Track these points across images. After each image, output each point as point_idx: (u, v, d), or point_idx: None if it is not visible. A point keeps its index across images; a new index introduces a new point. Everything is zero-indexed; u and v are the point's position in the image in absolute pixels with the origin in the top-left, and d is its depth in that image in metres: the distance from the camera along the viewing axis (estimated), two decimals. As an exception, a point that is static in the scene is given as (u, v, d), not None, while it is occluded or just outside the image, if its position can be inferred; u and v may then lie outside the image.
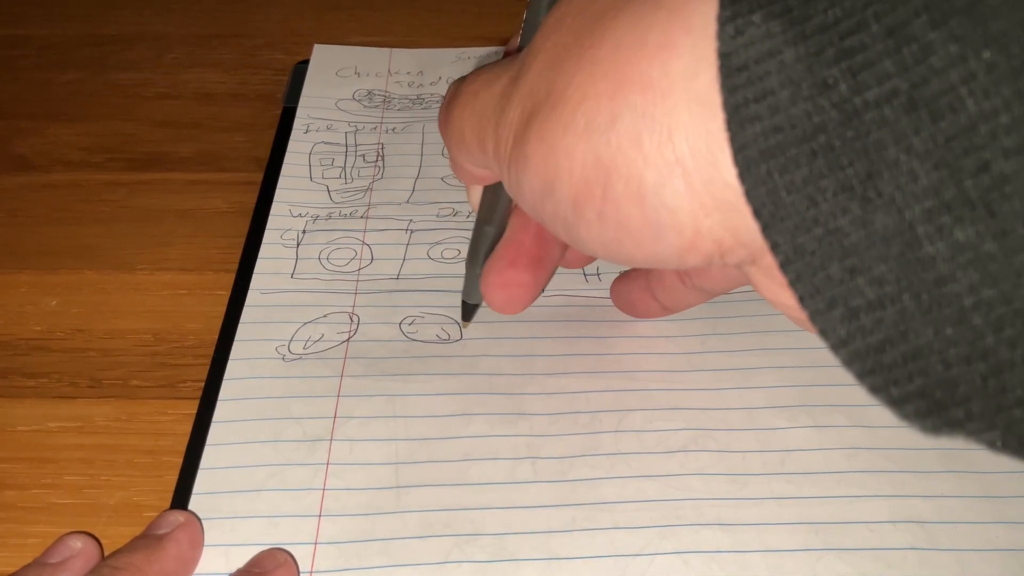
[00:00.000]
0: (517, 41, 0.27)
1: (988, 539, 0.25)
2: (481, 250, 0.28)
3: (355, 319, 0.32)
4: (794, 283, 0.16)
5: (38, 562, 0.25)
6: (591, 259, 0.31)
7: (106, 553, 0.26)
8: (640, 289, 0.31)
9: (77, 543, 0.25)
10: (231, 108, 0.42)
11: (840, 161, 0.15)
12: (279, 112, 0.41)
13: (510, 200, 0.27)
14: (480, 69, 0.24)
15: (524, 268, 0.27)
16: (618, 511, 0.26)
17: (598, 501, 0.26)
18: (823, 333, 0.16)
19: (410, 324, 0.32)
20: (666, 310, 0.31)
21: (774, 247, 0.16)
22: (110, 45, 0.46)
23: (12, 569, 0.25)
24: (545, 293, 0.32)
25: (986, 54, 0.13)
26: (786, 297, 0.18)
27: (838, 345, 0.16)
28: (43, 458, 0.28)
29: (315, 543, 0.25)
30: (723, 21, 0.16)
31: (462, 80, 0.24)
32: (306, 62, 0.43)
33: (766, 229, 0.16)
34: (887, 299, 0.15)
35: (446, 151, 0.27)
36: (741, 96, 0.15)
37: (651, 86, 0.17)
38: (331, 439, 0.28)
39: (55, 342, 0.32)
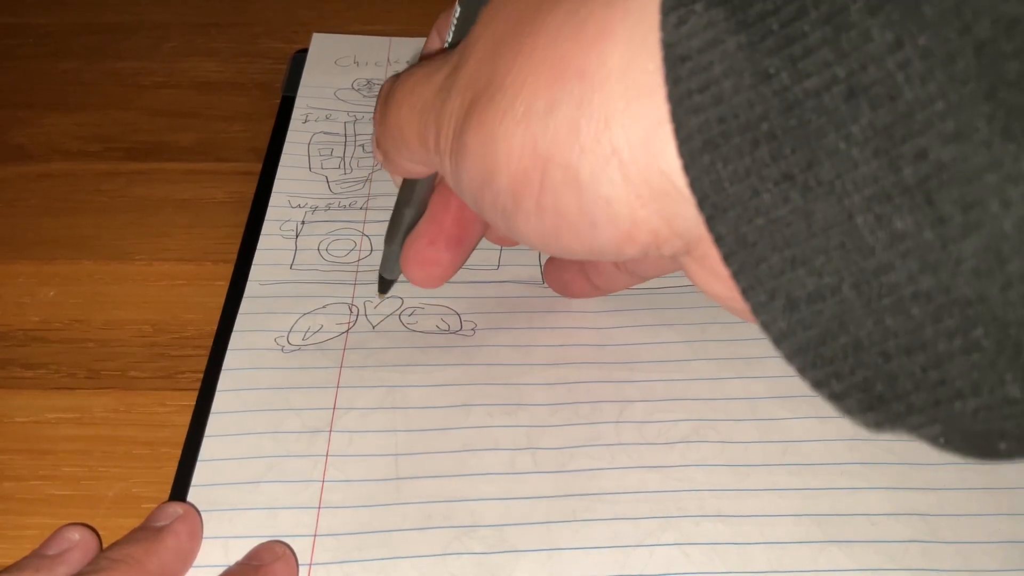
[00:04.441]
0: (435, 42, 0.28)
1: (989, 531, 0.25)
2: (400, 229, 0.29)
3: (354, 310, 0.32)
4: (736, 274, 0.16)
5: (36, 554, 0.25)
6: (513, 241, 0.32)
7: (104, 545, 0.25)
8: (574, 271, 0.31)
9: (75, 535, 0.25)
10: (230, 97, 0.42)
11: (782, 150, 0.15)
12: (278, 101, 0.41)
13: (430, 184, 0.28)
14: (414, 66, 0.24)
15: (443, 247, 0.28)
16: (619, 502, 0.26)
17: (598, 492, 0.26)
18: (764, 325, 0.16)
19: (410, 315, 0.31)
20: (599, 291, 0.31)
21: (717, 238, 0.16)
22: (108, 34, 0.46)
23: (10, 561, 0.24)
24: (543, 284, 0.32)
25: (921, 40, 0.13)
26: (720, 288, 0.18)
27: (780, 338, 0.16)
28: (41, 449, 0.28)
29: (314, 535, 0.25)
30: (666, 10, 0.15)
31: (396, 77, 0.24)
32: (305, 51, 0.43)
33: (710, 220, 0.16)
34: (827, 290, 0.15)
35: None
36: (685, 87, 0.15)
37: (588, 75, 0.17)
38: (330, 430, 0.28)
39: (53, 333, 0.32)
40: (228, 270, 0.33)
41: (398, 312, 0.32)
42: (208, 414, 0.28)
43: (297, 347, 0.30)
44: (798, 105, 0.14)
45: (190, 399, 0.29)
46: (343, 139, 0.39)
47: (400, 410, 0.28)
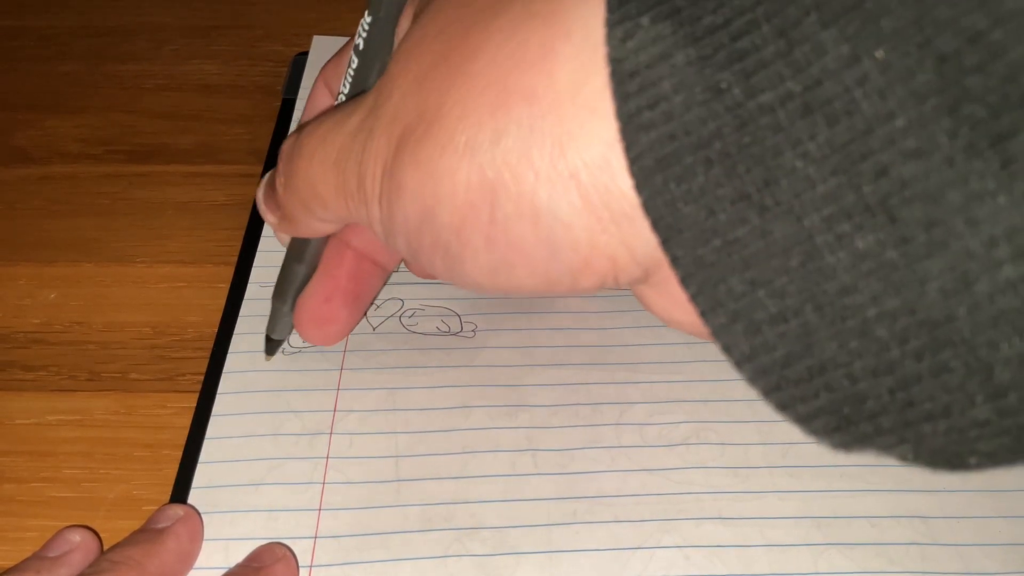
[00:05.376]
0: (324, 96, 0.27)
1: (989, 534, 0.25)
2: (291, 287, 0.28)
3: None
4: (695, 297, 0.15)
5: (37, 556, 0.25)
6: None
7: (105, 547, 0.25)
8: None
9: (76, 537, 0.25)
10: (231, 100, 0.42)
11: (736, 169, 0.14)
12: (278, 104, 0.41)
13: (324, 239, 0.27)
14: (311, 122, 0.23)
15: (340, 304, 0.27)
16: (619, 504, 0.26)
17: (599, 494, 0.26)
18: (726, 349, 0.15)
19: (410, 316, 0.31)
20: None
21: (673, 260, 0.15)
22: (109, 36, 0.46)
23: (11, 563, 0.24)
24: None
25: (879, 53, 0.13)
26: (681, 315, 0.18)
27: (742, 361, 0.15)
28: (42, 451, 0.28)
29: (315, 537, 0.25)
30: (611, 24, 0.15)
31: (295, 136, 0.23)
32: (305, 53, 0.43)
33: (665, 242, 0.15)
34: (789, 312, 0.14)
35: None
36: (634, 104, 0.15)
37: (536, 97, 0.16)
38: (331, 432, 0.28)
39: (54, 335, 0.32)
40: (229, 272, 0.33)
41: (399, 314, 0.32)
42: (209, 416, 0.28)
43: (298, 349, 0.30)
44: (752, 122, 0.14)
45: (191, 401, 0.29)
46: (343, 141, 0.39)
47: (400, 412, 0.28)
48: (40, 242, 0.35)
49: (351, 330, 0.27)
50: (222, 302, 0.32)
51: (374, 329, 0.31)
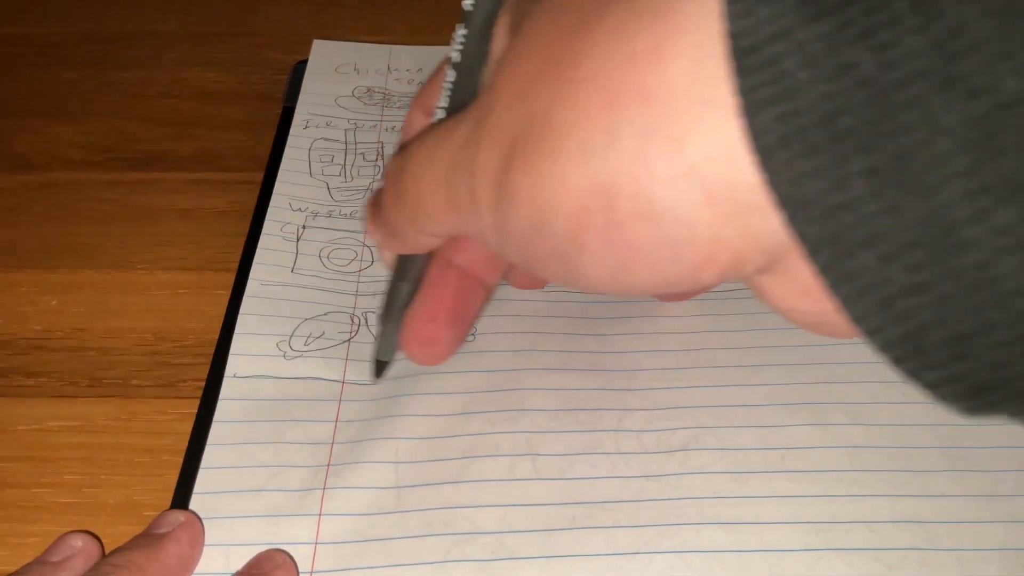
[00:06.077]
0: (419, 119, 0.27)
1: (989, 538, 0.25)
2: (396, 307, 0.28)
3: (356, 320, 0.32)
4: (823, 271, 0.15)
5: (39, 561, 0.25)
6: (544, 282, 0.31)
7: (106, 552, 0.26)
8: None
9: (78, 542, 0.25)
10: (231, 107, 0.42)
11: (868, 144, 0.14)
12: (279, 111, 0.41)
13: (427, 257, 0.27)
14: (413, 141, 0.23)
15: (444, 324, 0.27)
16: (618, 510, 0.26)
17: (598, 500, 0.26)
18: (856, 320, 0.15)
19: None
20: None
21: (800, 236, 0.15)
22: (110, 44, 0.46)
23: (13, 568, 0.25)
24: (546, 289, 0.32)
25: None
26: (803, 301, 0.18)
27: (873, 332, 0.15)
28: (43, 457, 0.28)
29: (315, 543, 0.25)
30: (730, 2, 0.15)
31: (400, 155, 0.23)
32: (305, 61, 0.43)
33: (791, 219, 0.15)
34: (923, 286, 0.14)
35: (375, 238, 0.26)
36: (755, 79, 0.15)
37: (649, 96, 0.16)
38: (332, 442, 0.28)
39: (55, 341, 0.32)
40: (229, 279, 0.33)
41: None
42: (210, 422, 0.28)
43: (299, 353, 0.30)
44: (884, 97, 0.14)
45: (191, 407, 0.29)
46: (344, 146, 0.39)
47: (400, 417, 0.28)
48: (41, 249, 0.35)
49: (456, 349, 0.27)
50: (223, 308, 0.32)
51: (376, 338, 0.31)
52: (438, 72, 0.26)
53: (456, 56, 0.24)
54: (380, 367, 0.30)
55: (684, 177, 0.16)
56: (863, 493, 0.26)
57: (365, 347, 0.31)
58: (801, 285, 0.17)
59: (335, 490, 0.26)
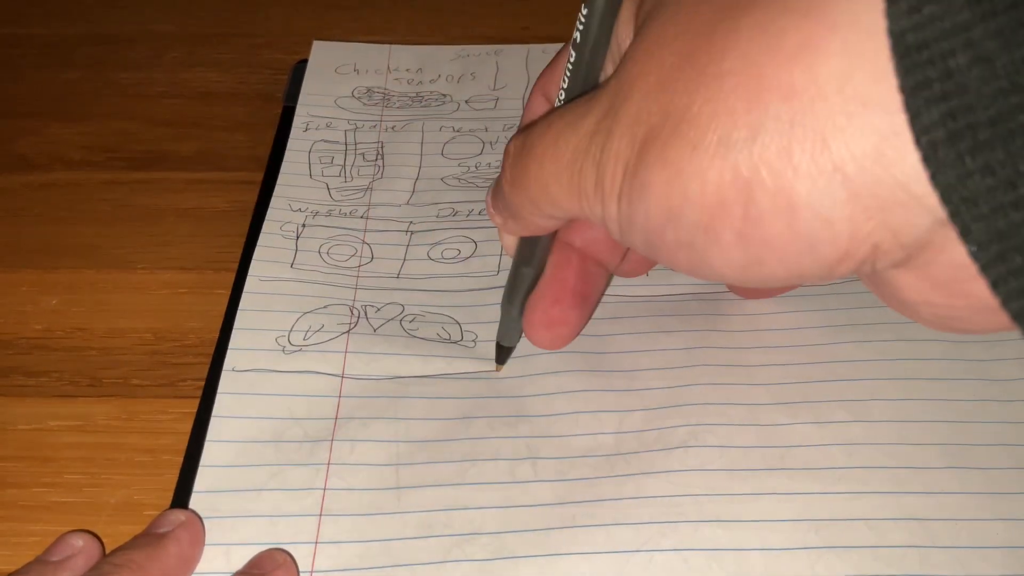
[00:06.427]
0: (541, 103, 0.27)
1: (988, 536, 0.25)
2: (519, 291, 0.28)
3: (355, 312, 0.32)
4: (985, 268, 0.15)
5: (39, 560, 0.25)
6: (648, 268, 0.31)
7: (107, 552, 0.26)
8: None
9: (78, 541, 0.25)
10: (231, 107, 0.42)
11: None
12: (279, 111, 0.41)
13: (549, 239, 0.27)
14: (535, 124, 0.23)
15: (569, 306, 0.27)
16: (618, 508, 0.26)
17: (598, 498, 0.26)
18: (1017, 317, 0.15)
19: (411, 321, 0.32)
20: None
21: (964, 233, 0.15)
22: (111, 44, 0.46)
23: (13, 567, 0.25)
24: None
25: None
26: (937, 295, 0.18)
27: None
28: (44, 457, 0.28)
29: (316, 543, 0.25)
30: (891, 1, 0.15)
31: (523, 137, 0.23)
32: (305, 61, 0.43)
33: (955, 214, 0.15)
34: None
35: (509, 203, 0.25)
36: (922, 75, 0.15)
37: (795, 92, 0.16)
38: (332, 439, 0.28)
39: (55, 341, 0.32)
40: (229, 278, 0.33)
41: (399, 318, 0.32)
42: (209, 421, 0.28)
43: (298, 347, 0.30)
44: None
45: (192, 407, 0.29)
46: (343, 147, 0.39)
47: (401, 420, 0.28)
48: (42, 248, 0.35)
49: (580, 332, 0.27)
50: (223, 308, 0.32)
51: (375, 330, 0.31)
52: (558, 56, 0.26)
53: (577, 36, 0.23)
54: (503, 353, 0.30)
55: (827, 174, 0.16)
56: (863, 491, 0.26)
57: (364, 339, 0.31)
58: (936, 279, 0.17)
59: (336, 491, 0.26)
